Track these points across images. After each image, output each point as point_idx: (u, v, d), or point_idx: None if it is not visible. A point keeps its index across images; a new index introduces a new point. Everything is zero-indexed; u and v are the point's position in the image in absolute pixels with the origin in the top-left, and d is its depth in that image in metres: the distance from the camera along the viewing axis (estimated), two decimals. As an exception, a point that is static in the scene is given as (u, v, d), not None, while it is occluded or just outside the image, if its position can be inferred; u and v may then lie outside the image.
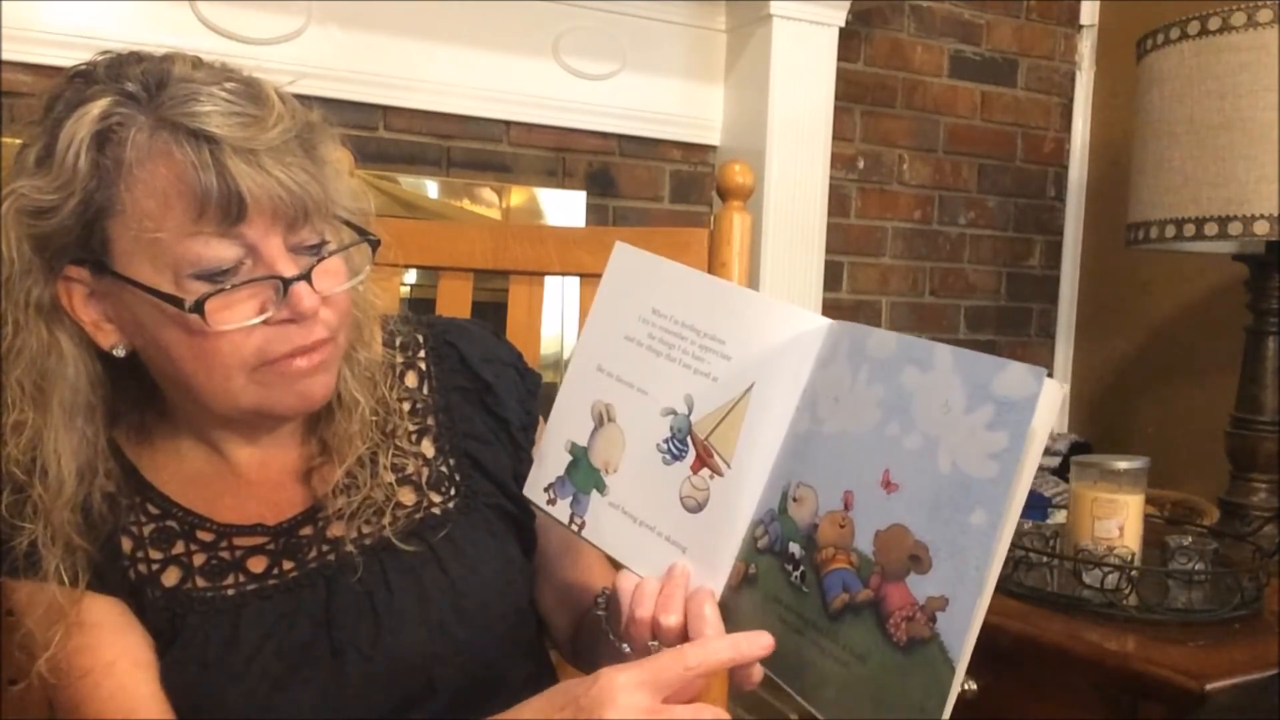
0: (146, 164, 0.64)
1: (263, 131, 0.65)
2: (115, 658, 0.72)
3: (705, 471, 0.66)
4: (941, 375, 0.56)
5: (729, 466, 0.65)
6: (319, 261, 0.69)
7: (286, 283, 0.67)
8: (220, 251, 0.66)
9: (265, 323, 0.68)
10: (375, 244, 0.74)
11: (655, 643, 0.65)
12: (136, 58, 0.68)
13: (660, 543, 0.68)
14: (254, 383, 0.69)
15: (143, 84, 0.66)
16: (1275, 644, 1.17)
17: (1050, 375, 0.51)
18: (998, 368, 0.53)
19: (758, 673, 0.64)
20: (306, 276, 0.68)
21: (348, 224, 0.74)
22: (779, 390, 0.64)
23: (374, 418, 0.78)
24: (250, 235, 0.66)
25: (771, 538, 0.63)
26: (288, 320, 0.68)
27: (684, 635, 0.64)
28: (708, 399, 0.67)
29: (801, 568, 0.61)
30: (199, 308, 0.65)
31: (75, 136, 0.65)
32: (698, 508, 0.66)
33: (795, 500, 0.62)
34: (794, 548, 0.61)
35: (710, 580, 0.66)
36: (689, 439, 0.67)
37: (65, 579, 0.71)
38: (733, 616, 0.65)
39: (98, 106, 0.65)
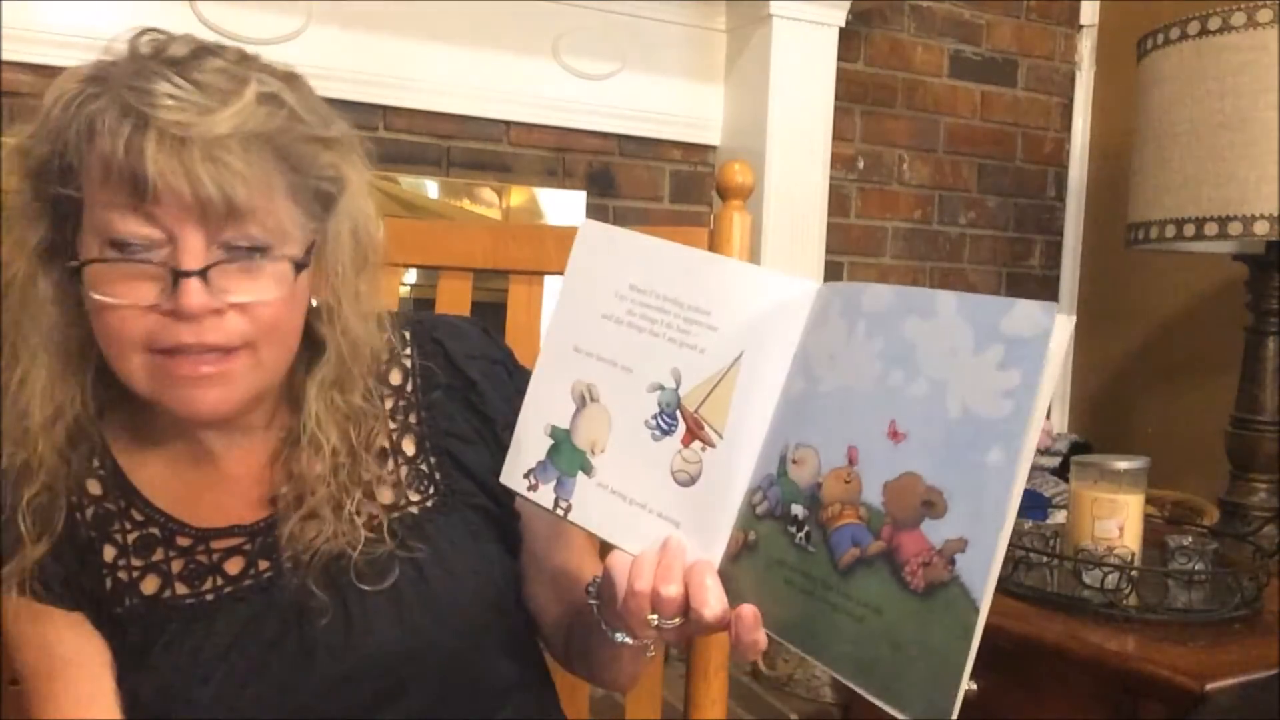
0: (98, 129, 0.65)
1: (207, 123, 0.64)
2: (70, 660, 0.74)
3: (696, 444, 0.66)
4: (946, 321, 0.56)
5: (721, 437, 0.65)
6: (226, 263, 0.67)
7: (177, 274, 0.65)
8: (133, 227, 0.65)
9: (157, 311, 0.66)
10: (297, 265, 0.69)
11: (654, 616, 0.65)
12: (153, 33, 0.69)
13: (652, 519, 0.67)
14: (147, 370, 0.68)
15: (130, 54, 0.67)
16: (1275, 644, 1.17)
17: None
18: (1006, 307, 0.53)
19: (762, 640, 0.63)
20: (203, 273, 0.65)
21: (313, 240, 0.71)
22: (769, 356, 0.64)
23: (346, 460, 0.76)
24: (165, 220, 0.65)
25: (771, 502, 0.63)
26: (169, 313, 0.66)
27: (684, 606, 0.64)
28: (695, 371, 0.66)
29: (806, 528, 0.60)
30: (78, 271, 0.66)
31: (58, 93, 0.67)
32: (690, 481, 0.66)
33: (795, 462, 0.62)
34: (796, 509, 0.61)
35: (707, 552, 0.65)
36: (678, 413, 0.67)
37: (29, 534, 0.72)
38: (733, 586, 0.64)
39: (84, 68, 0.67)
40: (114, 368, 0.70)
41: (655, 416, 0.68)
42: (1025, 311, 0.52)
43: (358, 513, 0.75)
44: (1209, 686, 1.06)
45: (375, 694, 0.75)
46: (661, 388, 0.67)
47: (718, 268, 0.68)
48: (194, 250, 0.66)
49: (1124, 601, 1.22)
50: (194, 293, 0.65)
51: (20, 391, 0.70)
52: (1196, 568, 1.27)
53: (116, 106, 0.64)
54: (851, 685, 0.58)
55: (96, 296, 0.66)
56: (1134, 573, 1.24)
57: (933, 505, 0.55)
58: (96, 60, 0.68)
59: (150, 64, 0.66)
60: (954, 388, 0.55)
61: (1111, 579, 1.22)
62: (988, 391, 0.53)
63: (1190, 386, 2.06)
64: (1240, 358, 1.60)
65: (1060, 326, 0.51)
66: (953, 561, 0.53)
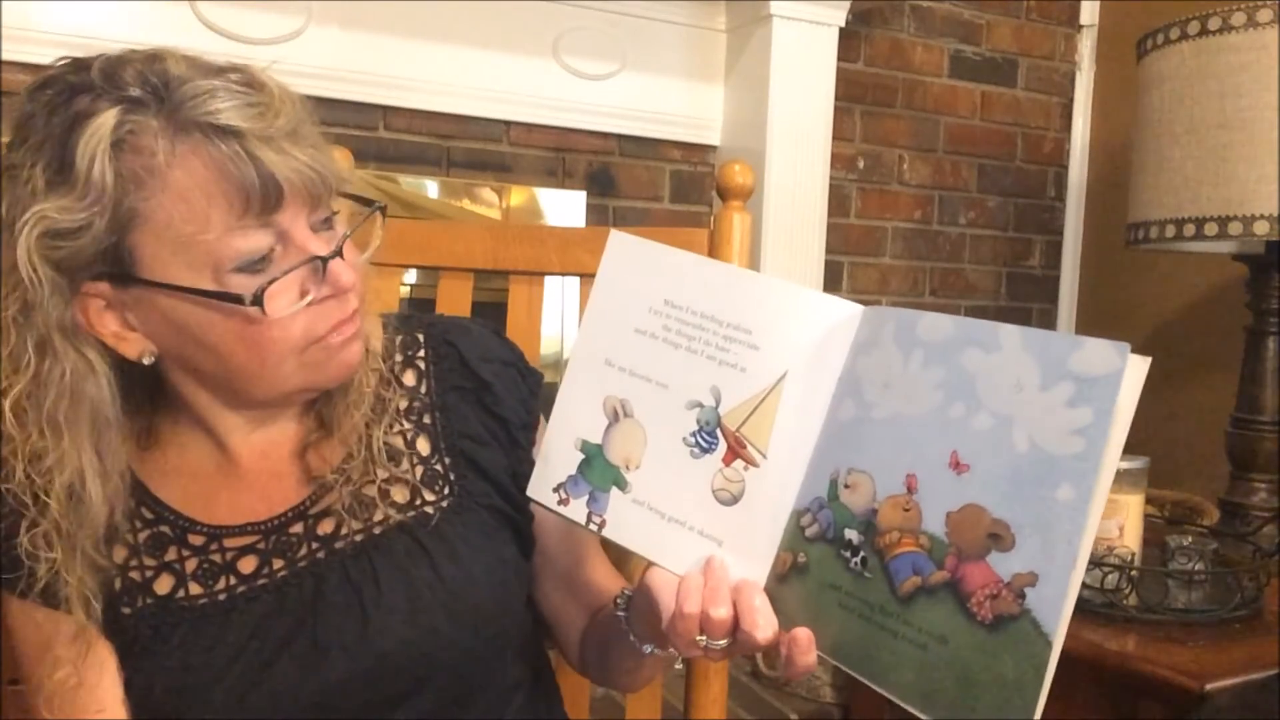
0: (178, 168, 0.64)
1: (275, 118, 0.66)
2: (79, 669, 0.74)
3: (739, 463, 0.65)
4: (1010, 355, 0.56)
5: (765, 457, 0.64)
6: (346, 237, 0.71)
7: (324, 261, 0.69)
8: (258, 241, 0.67)
9: (313, 304, 0.69)
10: (383, 210, 0.75)
11: (703, 638, 0.64)
12: (122, 61, 0.66)
13: (693, 537, 0.66)
14: (302, 364, 0.71)
15: (144, 88, 0.65)
16: (1275, 644, 1.17)
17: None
18: (1075, 345, 0.53)
19: (814, 662, 0.63)
20: (339, 253, 0.70)
21: (353, 196, 0.75)
22: (815, 377, 0.63)
23: (362, 461, 0.78)
24: (283, 221, 0.68)
25: (822, 525, 0.62)
26: (328, 297, 0.70)
27: (734, 628, 0.64)
28: (737, 390, 0.65)
29: (862, 553, 0.60)
30: (259, 300, 0.67)
31: (94, 151, 0.63)
32: (733, 500, 0.65)
33: (847, 487, 0.61)
34: (850, 534, 0.61)
35: (750, 572, 0.64)
36: (719, 431, 0.66)
37: (81, 609, 0.71)
38: (780, 607, 0.64)
39: (109, 117, 0.63)
40: (253, 386, 0.72)
41: (694, 434, 0.67)
42: (1096, 350, 0.53)
43: (373, 513, 0.76)
44: (1209, 686, 1.06)
45: (388, 694, 0.75)
46: (700, 405, 0.67)
47: (759, 286, 0.67)
48: (310, 237, 0.69)
49: (1124, 601, 1.22)
50: (344, 270, 0.70)
51: (84, 490, 0.69)
52: (1196, 568, 1.27)
53: (200, 133, 0.64)
54: (915, 712, 0.57)
55: (274, 317, 0.68)
56: (1134, 573, 1.24)
57: (1000, 538, 0.55)
58: (107, 112, 0.64)
59: (188, 87, 0.65)
60: (1020, 423, 0.55)
61: (1111, 579, 1.23)
62: (1057, 429, 0.53)
63: (1190, 386, 2.06)
64: (1240, 358, 1.60)
65: (1134, 366, 0.52)
66: (1022, 595, 0.53)
